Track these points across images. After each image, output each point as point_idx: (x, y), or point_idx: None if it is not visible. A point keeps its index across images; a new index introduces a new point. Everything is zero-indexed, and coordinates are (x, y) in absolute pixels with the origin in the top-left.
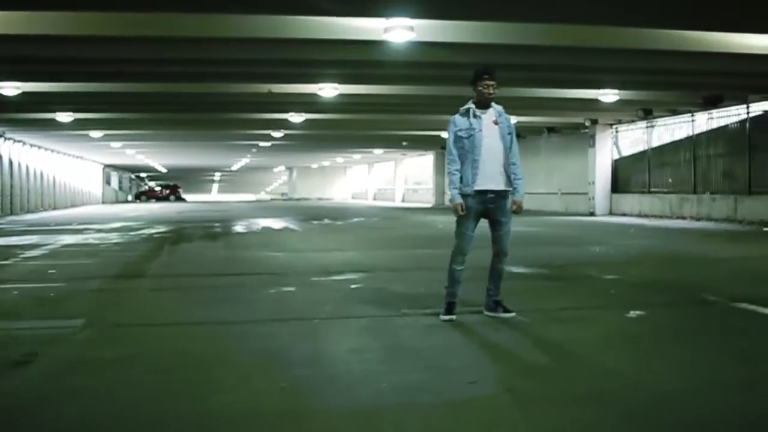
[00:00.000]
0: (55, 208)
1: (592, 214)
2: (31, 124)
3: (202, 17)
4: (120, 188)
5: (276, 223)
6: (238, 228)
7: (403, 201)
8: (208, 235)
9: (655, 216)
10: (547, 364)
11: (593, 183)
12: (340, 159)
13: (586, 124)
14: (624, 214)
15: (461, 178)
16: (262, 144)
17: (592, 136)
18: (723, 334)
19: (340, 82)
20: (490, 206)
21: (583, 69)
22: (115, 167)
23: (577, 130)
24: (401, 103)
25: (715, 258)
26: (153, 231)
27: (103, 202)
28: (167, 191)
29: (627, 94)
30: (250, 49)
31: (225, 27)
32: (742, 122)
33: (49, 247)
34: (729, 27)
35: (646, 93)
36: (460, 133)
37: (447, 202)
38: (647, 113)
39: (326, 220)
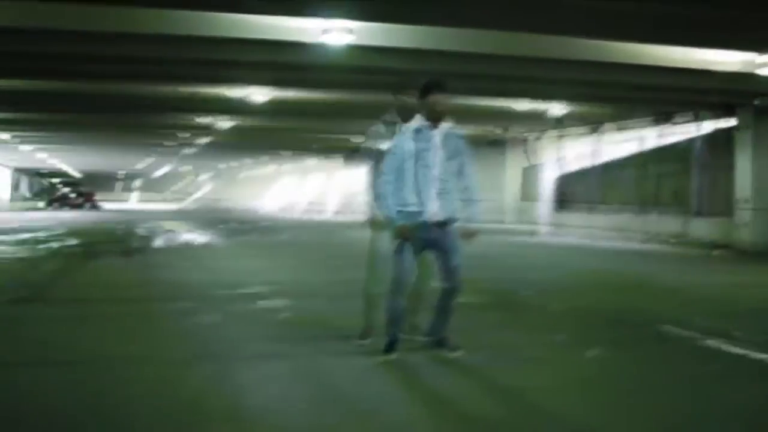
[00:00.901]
0: None
1: (535, 232)
2: None
3: (121, 10)
4: (31, 194)
5: (199, 237)
6: (157, 242)
7: (335, 214)
8: (123, 251)
9: (601, 235)
10: (506, 419)
11: (536, 200)
12: (270, 169)
13: (530, 137)
14: (568, 234)
15: (402, 202)
16: (186, 151)
17: (525, 151)
18: (693, 382)
19: (272, 86)
20: (437, 236)
21: (530, 80)
22: (26, 171)
23: (506, 144)
24: (337, 110)
25: (671, 285)
26: (62, 244)
27: (11, 209)
28: (82, 198)
29: (575, 108)
30: (175, 47)
31: (146, 22)
32: (693, 140)
33: None
34: (685, 42)
35: (594, 107)
36: (398, 151)
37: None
38: (594, 129)
39: (254, 235)
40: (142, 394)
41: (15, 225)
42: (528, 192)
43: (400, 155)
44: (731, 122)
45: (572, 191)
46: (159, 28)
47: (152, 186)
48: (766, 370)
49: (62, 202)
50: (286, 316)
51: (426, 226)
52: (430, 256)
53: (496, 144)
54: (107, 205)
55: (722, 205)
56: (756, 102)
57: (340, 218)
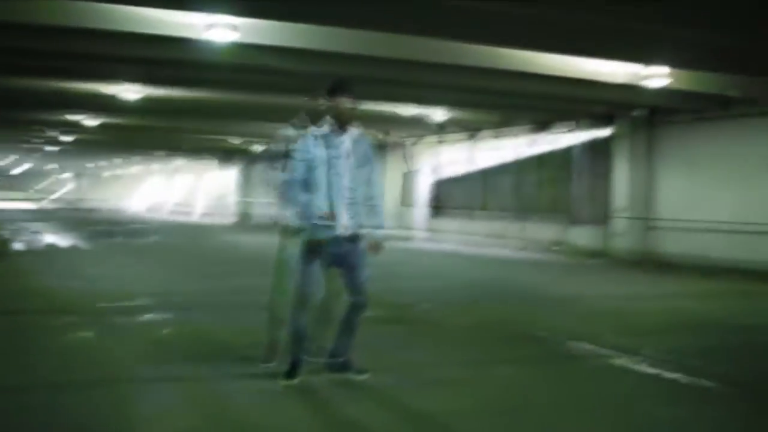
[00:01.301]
0: None
1: (410, 238)
2: None
3: None
4: None
5: (63, 240)
6: (17, 245)
7: (203, 215)
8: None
9: (478, 242)
10: None
11: (410, 206)
12: (136, 168)
13: (406, 143)
14: (444, 241)
15: (308, 213)
16: (48, 148)
17: (405, 156)
18: (611, 402)
19: (147, 83)
20: (346, 250)
21: (414, 84)
22: None
23: (386, 149)
24: (215, 110)
25: (561, 296)
26: None
27: None
28: None
29: (456, 114)
30: (43, 38)
31: (11, 9)
32: (571, 149)
33: None
34: (571, 51)
35: (469, 113)
36: (312, 161)
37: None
38: (472, 135)
39: (121, 238)
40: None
41: None
42: (407, 197)
43: (309, 161)
44: (608, 131)
45: (449, 197)
46: (25, 17)
47: (12, 184)
48: (679, 390)
49: None
50: (171, 332)
51: (337, 240)
52: (336, 271)
53: (376, 149)
54: None
55: (599, 213)
56: (635, 113)
57: (208, 220)
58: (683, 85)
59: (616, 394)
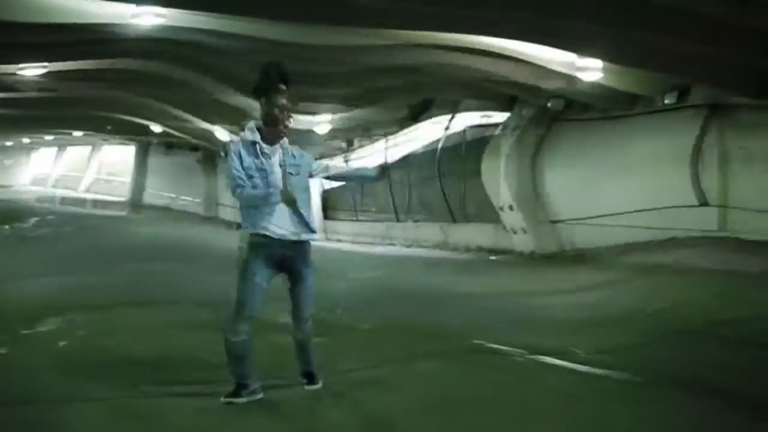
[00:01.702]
0: None
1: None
2: None
3: None
4: None
5: None
6: None
7: (88, 191)
8: None
9: (366, 242)
10: None
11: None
12: (26, 140)
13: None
14: (339, 240)
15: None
16: None
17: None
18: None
19: (49, 61)
20: (287, 254)
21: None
22: None
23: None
24: (115, 79)
25: (464, 293)
26: None
27: None
28: None
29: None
30: None
31: None
32: (435, 148)
33: None
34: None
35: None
36: (247, 170)
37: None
38: (350, 144)
39: (6, 226)
40: None
41: None
42: None
43: (244, 170)
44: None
45: (337, 201)
46: None
47: None
48: (608, 387)
49: None
50: (84, 337)
51: (282, 242)
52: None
53: None
54: None
55: (484, 210)
56: (549, 104)
57: (93, 195)
58: (611, 82)
59: (537, 384)
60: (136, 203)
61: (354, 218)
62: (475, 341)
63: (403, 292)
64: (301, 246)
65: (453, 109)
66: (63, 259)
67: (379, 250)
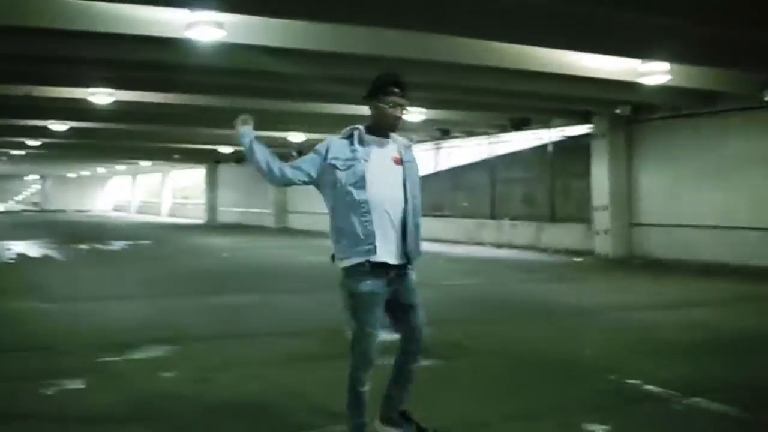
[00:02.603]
0: None
1: None
2: None
3: None
4: None
5: (32, 248)
6: None
7: (170, 215)
8: None
9: (451, 241)
10: None
11: None
12: (102, 169)
13: None
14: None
15: (345, 241)
16: (13, 152)
17: None
18: None
19: (115, 87)
20: (393, 287)
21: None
22: None
23: None
24: (184, 114)
25: (572, 307)
26: None
27: None
28: None
29: (428, 113)
30: (5, 40)
31: None
32: (545, 147)
33: None
34: (559, 45)
35: (443, 112)
36: (334, 162)
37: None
38: (444, 133)
39: (93, 244)
40: None
41: None
42: None
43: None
44: (585, 129)
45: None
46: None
47: None
48: None
49: None
50: (173, 376)
51: (381, 274)
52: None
53: None
54: None
55: (579, 211)
56: (617, 110)
57: (174, 219)
58: (678, 82)
59: None
60: (210, 223)
61: (439, 214)
62: (622, 380)
63: (504, 303)
64: (404, 272)
65: (547, 119)
66: (147, 282)
67: (464, 250)
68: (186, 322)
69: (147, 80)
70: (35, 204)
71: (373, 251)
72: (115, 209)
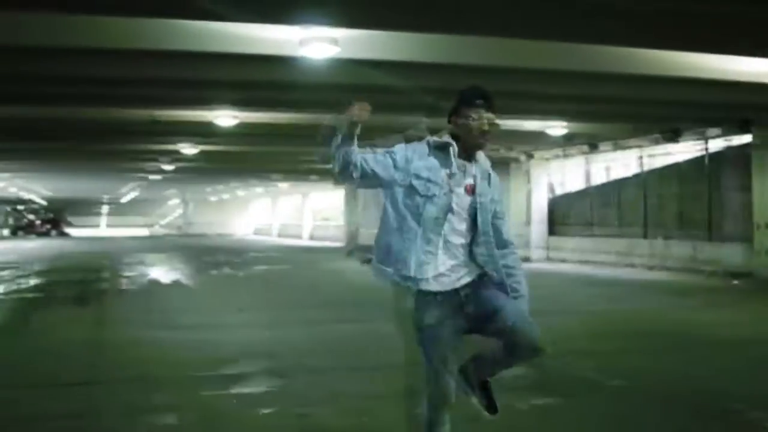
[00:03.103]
0: None
1: (527, 259)
2: None
3: (66, 19)
4: None
5: (166, 273)
6: (116, 281)
7: (310, 238)
8: (76, 297)
9: (599, 263)
10: None
11: (528, 224)
12: (241, 192)
13: (520, 158)
14: (563, 260)
15: (399, 259)
16: (152, 177)
17: (527, 172)
18: None
19: (239, 109)
20: (467, 310)
21: (525, 95)
22: None
23: (510, 165)
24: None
25: (726, 336)
26: (17, 288)
27: None
28: (48, 225)
29: (575, 126)
30: (129, 64)
31: (96, 33)
32: (701, 159)
33: None
34: (708, 48)
35: (590, 125)
36: (417, 181)
37: None
38: (593, 147)
39: (226, 269)
40: None
41: None
42: (527, 215)
43: (414, 189)
44: (745, 139)
45: (568, 214)
46: (128, 42)
47: (122, 211)
48: None
49: (28, 230)
50: (271, 413)
51: (454, 298)
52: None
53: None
54: (76, 232)
55: (740, 229)
56: None
57: (315, 242)
58: None
59: None
60: (350, 246)
61: (587, 233)
62: None
63: (647, 332)
64: (480, 283)
65: (702, 129)
66: (272, 309)
67: (612, 272)
68: (301, 349)
69: (271, 100)
70: (179, 228)
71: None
72: (256, 233)
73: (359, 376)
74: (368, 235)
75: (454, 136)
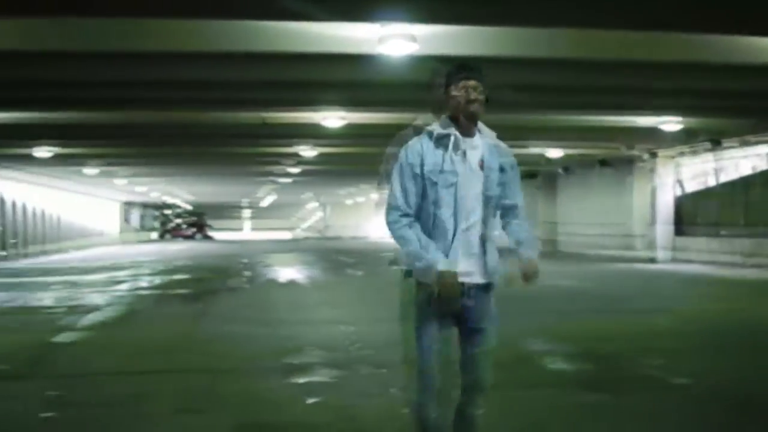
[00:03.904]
0: (58, 251)
1: (652, 260)
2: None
3: (168, 23)
4: (142, 226)
5: (286, 274)
6: (236, 280)
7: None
8: (192, 294)
9: (725, 263)
10: None
11: (653, 224)
12: (374, 195)
13: (644, 156)
14: (689, 261)
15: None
16: (281, 180)
17: (651, 170)
18: None
19: (345, 110)
20: (465, 304)
21: (638, 91)
22: (135, 204)
23: (633, 164)
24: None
25: None
26: (130, 287)
27: (122, 242)
28: (193, 229)
29: (691, 122)
30: (236, 67)
31: (198, 38)
32: None
33: None
34: None
35: (713, 120)
36: (430, 175)
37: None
38: (716, 143)
39: (348, 270)
40: None
41: (110, 259)
42: (651, 215)
43: (418, 176)
44: None
45: (694, 213)
46: (225, 45)
47: (263, 215)
48: None
49: (174, 233)
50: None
51: (463, 290)
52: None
53: (607, 164)
54: (219, 235)
55: None
56: None
57: None
58: None
59: None
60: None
61: (713, 233)
62: None
63: (745, 335)
64: (481, 292)
65: None
66: (372, 307)
67: (734, 273)
68: (374, 345)
69: (378, 101)
70: (319, 231)
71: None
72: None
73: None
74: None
75: (451, 119)
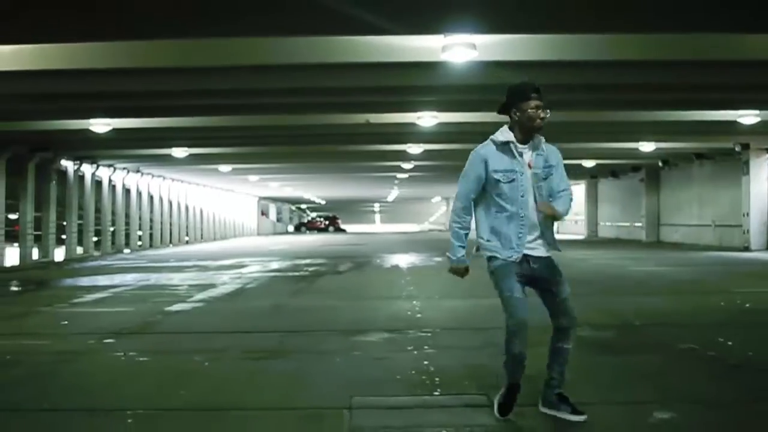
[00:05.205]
0: (202, 241)
1: (746, 248)
2: (150, 160)
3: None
4: (278, 220)
5: (393, 260)
6: (348, 264)
7: (557, 232)
8: (305, 275)
9: None
10: None
11: (747, 214)
12: None
13: (737, 149)
14: None
15: (488, 239)
16: (399, 176)
17: (746, 163)
18: None
19: (438, 110)
20: (534, 269)
21: (719, 86)
22: (272, 199)
23: (730, 157)
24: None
25: None
26: (250, 270)
27: (259, 234)
28: (327, 222)
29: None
30: (336, 75)
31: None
32: None
33: (112, 290)
34: None
35: None
36: (496, 176)
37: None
38: None
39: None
40: None
41: (246, 249)
42: (746, 207)
43: (496, 183)
44: None
45: None
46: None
47: (392, 209)
48: None
49: (309, 226)
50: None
51: (523, 264)
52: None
53: (704, 157)
54: (351, 228)
55: None
56: None
57: (561, 236)
58: None
59: None
60: (590, 238)
61: None
62: None
63: None
64: (548, 259)
65: None
66: (452, 290)
67: None
68: (434, 319)
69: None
70: (443, 224)
71: (519, 254)
72: None
73: (463, 334)
74: (605, 228)
75: (510, 128)
